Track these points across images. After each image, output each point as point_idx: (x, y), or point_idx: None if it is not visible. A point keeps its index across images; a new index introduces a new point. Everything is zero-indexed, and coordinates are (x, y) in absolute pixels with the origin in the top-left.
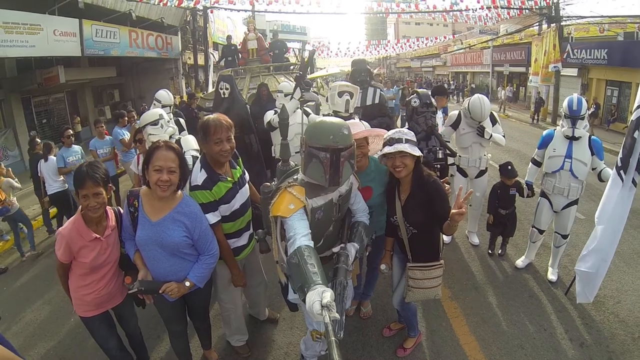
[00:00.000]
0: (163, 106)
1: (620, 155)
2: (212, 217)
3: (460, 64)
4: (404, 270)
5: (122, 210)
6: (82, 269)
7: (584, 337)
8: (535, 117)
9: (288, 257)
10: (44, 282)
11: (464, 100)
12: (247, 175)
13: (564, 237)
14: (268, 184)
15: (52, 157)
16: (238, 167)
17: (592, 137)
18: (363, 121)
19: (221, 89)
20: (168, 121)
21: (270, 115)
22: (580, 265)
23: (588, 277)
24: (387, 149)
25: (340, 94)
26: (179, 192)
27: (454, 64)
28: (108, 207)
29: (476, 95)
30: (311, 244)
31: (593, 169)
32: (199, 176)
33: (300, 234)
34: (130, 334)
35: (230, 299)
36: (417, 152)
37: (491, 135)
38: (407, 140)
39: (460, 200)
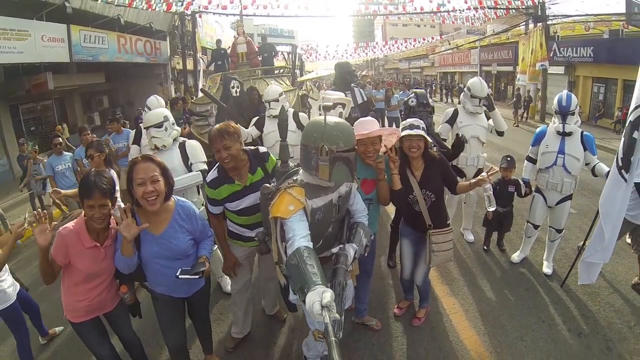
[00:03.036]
0: None
1: (620, 155)
2: (213, 209)
3: (448, 65)
4: (416, 248)
5: None
6: (76, 275)
7: (582, 327)
8: (524, 116)
9: (287, 258)
10: (34, 291)
11: (452, 101)
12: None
13: (559, 231)
14: (267, 185)
15: None
16: (261, 170)
17: (585, 132)
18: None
19: (233, 87)
20: (173, 123)
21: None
22: (591, 258)
23: (594, 265)
24: (409, 132)
25: (333, 106)
26: (171, 198)
27: (442, 65)
28: (113, 218)
29: (474, 77)
30: (310, 244)
31: (586, 164)
32: (211, 175)
33: (299, 235)
34: (128, 342)
35: (233, 279)
36: (429, 138)
37: (495, 110)
38: (423, 128)
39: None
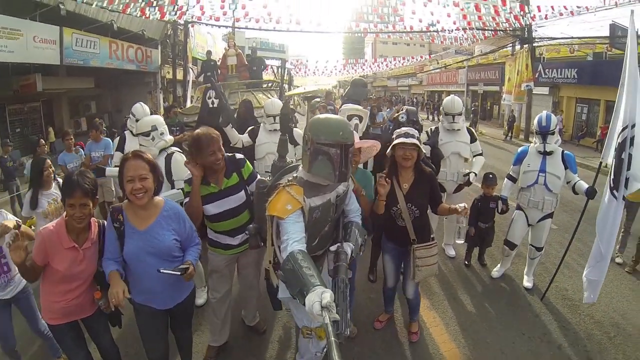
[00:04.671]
0: (137, 120)
1: (612, 176)
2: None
3: (436, 83)
4: (400, 261)
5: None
6: (54, 276)
7: (562, 339)
8: (509, 134)
9: (282, 263)
10: None
11: (439, 119)
12: (253, 185)
13: (539, 249)
14: (264, 179)
15: None
16: (236, 175)
17: (565, 152)
18: None
19: (209, 98)
20: (162, 133)
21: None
22: (590, 275)
23: (596, 283)
24: (403, 139)
25: (350, 118)
26: (159, 197)
27: (430, 83)
28: (93, 219)
29: (449, 95)
30: (303, 247)
31: (567, 183)
32: (188, 175)
33: (293, 239)
34: (105, 350)
35: (213, 287)
36: (422, 149)
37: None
38: (417, 139)
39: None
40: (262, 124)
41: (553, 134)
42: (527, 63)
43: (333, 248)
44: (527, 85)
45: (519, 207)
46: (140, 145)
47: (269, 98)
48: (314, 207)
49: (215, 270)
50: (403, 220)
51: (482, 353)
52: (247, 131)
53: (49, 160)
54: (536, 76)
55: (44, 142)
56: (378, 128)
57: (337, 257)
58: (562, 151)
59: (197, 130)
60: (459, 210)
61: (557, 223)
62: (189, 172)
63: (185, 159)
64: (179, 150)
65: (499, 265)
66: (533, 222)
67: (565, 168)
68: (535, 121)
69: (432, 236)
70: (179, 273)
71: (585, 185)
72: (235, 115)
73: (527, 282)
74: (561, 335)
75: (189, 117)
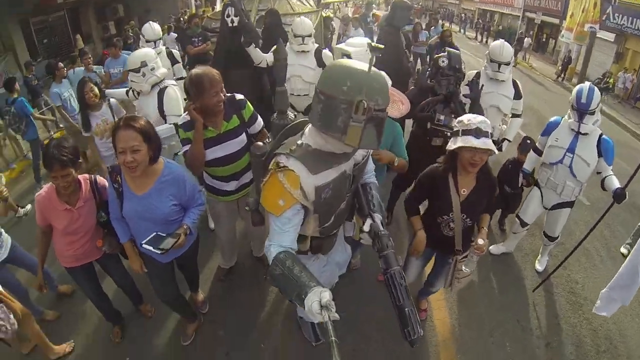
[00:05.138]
0: (147, 41)
1: None
2: (186, 147)
3: (489, 2)
4: (427, 261)
5: (99, 180)
6: (56, 230)
7: (553, 337)
8: (562, 75)
9: (270, 268)
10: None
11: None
12: (255, 127)
13: (551, 239)
14: (260, 143)
15: None
16: (237, 117)
17: (604, 137)
18: None
19: (228, 16)
20: (152, 69)
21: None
22: (614, 293)
23: (616, 303)
24: (475, 142)
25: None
26: (159, 159)
27: (483, 1)
28: (83, 176)
29: (499, 40)
30: (288, 250)
31: (598, 173)
32: (182, 118)
33: (277, 245)
34: (120, 280)
35: (217, 229)
36: (495, 148)
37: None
38: (491, 135)
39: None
40: (288, 43)
41: (593, 113)
42: (595, 1)
43: (367, 228)
44: (591, 27)
45: (537, 184)
46: (131, 81)
47: (304, 4)
48: (323, 186)
49: (217, 214)
50: (451, 230)
51: (471, 329)
52: (271, 50)
53: (90, 83)
54: (603, 19)
55: (62, 65)
56: (421, 47)
57: (380, 243)
58: (600, 135)
59: (196, 71)
60: (478, 243)
61: (590, 199)
62: (183, 114)
63: (178, 94)
64: (174, 83)
65: (501, 243)
66: (547, 206)
67: (600, 156)
68: (574, 94)
69: (472, 238)
70: (159, 252)
71: (616, 185)
72: (262, 27)
73: (538, 265)
74: (554, 333)
75: (217, 23)
